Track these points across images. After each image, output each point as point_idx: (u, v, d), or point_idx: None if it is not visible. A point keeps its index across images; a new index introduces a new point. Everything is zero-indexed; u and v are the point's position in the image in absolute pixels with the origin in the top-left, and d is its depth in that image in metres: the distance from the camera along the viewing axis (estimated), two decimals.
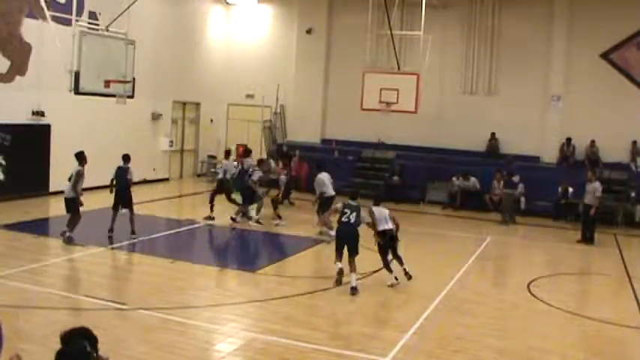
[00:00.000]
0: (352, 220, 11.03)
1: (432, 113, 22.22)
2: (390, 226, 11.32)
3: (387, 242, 11.38)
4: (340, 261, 10.93)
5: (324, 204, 15.10)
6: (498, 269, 14.46)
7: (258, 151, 23.80)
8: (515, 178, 19.58)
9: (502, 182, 19.38)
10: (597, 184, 16.41)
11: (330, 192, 15.46)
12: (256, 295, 10.55)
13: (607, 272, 13.79)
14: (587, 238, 16.39)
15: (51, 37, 14.57)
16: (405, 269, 11.46)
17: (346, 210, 11.07)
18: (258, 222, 15.92)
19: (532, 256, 15.13)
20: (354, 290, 10.58)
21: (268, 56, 25.36)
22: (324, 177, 15.64)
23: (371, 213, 11.31)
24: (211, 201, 16.55)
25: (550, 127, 22.28)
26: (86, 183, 19.05)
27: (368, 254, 13.76)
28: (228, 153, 18.17)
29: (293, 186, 19.88)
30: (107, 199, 18.21)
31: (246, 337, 8.40)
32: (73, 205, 13.07)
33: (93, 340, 3.75)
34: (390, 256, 11.47)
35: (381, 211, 11.42)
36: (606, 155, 21.31)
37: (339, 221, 11.13)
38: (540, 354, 8.50)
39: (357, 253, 10.95)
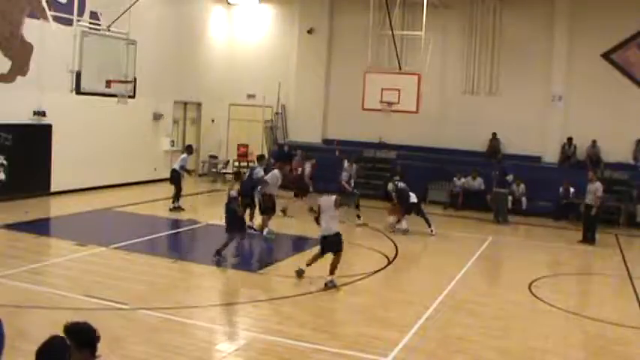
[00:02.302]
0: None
1: (433, 113, 22.22)
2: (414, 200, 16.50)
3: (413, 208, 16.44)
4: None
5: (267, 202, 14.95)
6: (499, 269, 14.45)
7: (260, 152, 23.87)
8: (509, 178, 19.57)
9: (494, 181, 19.37)
10: (598, 184, 16.38)
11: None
12: (257, 295, 10.55)
13: (608, 272, 13.78)
14: (589, 239, 16.36)
15: (52, 37, 14.62)
16: (431, 230, 16.09)
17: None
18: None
19: (533, 256, 15.11)
20: (404, 232, 15.85)
21: (269, 56, 25.37)
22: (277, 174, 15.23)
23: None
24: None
25: (551, 127, 22.27)
26: (87, 183, 19.28)
27: (369, 254, 13.78)
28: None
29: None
30: (108, 199, 18.32)
31: (247, 337, 8.41)
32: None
33: (80, 338, 3.75)
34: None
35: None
36: (608, 155, 21.31)
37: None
38: (541, 354, 8.49)
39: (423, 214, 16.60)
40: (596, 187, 16.28)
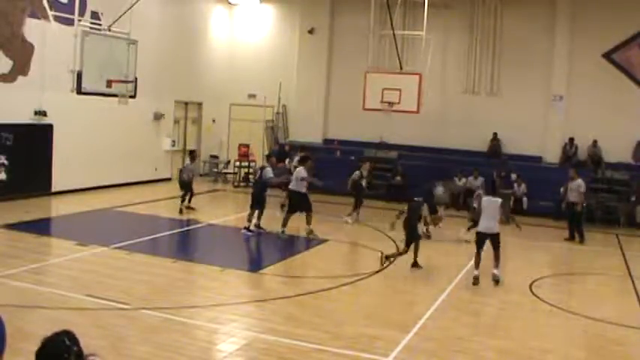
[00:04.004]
0: None
1: (434, 113, 22.22)
2: None
3: None
4: None
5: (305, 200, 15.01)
6: (500, 269, 14.41)
7: (261, 152, 23.89)
8: (513, 176, 19.56)
9: (497, 182, 19.38)
10: (580, 181, 16.57)
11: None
12: (258, 295, 10.56)
13: (609, 272, 13.78)
14: (579, 238, 16.47)
15: (53, 37, 14.63)
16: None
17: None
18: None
19: (534, 256, 15.11)
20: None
21: (270, 56, 25.38)
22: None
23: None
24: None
25: (552, 127, 22.28)
26: (88, 183, 19.30)
27: (370, 254, 13.78)
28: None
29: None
30: (108, 198, 18.33)
31: (248, 337, 8.41)
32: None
33: (74, 339, 3.75)
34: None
35: None
36: (609, 155, 21.32)
37: None
38: (542, 354, 8.49)
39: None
40: (578, 184, 16.44)
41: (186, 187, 17.38)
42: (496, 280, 11.74)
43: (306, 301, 10.18)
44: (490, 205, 11.89)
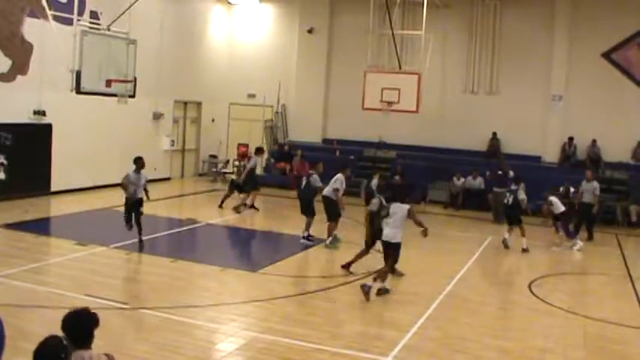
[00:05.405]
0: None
1: (433, 113, 22.22)
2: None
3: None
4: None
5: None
6: (499, 269, 14.44)
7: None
8: (511, 173, 19.56)
9: (493, 181, 19.38)
10: (595, 183, 16.57)
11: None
12: (257, 294, 10.55)
13: (608, 272, 13.79)
14: (589, 237, 16.52)
15: (52, 36, 14.63)
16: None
17: None
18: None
19: (533, 255, 15.11)
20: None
21: (270, 56, 25.37)
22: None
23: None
24: None
25: (551, 126, 22.28)
26: (87, 183, 19.29)
27: (370, 254, 13.77)
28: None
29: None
30: (108, 198, 18.30)
31: (247, 337, 8.41)
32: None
33: (80, 334, 3.78)
34: None
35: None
36: (608, 155, 21.33)
37: None
38: (541, 354, 8.50)
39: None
40: (594, 186, 16.43)
41: (134, 204, 13.24)
42: (366, 292, 10.17)
43: (306, 301, 10.19)
44: (397, 213, 10.60)
